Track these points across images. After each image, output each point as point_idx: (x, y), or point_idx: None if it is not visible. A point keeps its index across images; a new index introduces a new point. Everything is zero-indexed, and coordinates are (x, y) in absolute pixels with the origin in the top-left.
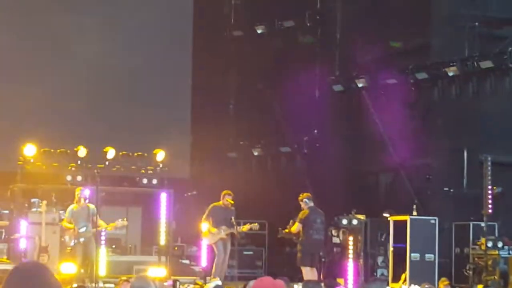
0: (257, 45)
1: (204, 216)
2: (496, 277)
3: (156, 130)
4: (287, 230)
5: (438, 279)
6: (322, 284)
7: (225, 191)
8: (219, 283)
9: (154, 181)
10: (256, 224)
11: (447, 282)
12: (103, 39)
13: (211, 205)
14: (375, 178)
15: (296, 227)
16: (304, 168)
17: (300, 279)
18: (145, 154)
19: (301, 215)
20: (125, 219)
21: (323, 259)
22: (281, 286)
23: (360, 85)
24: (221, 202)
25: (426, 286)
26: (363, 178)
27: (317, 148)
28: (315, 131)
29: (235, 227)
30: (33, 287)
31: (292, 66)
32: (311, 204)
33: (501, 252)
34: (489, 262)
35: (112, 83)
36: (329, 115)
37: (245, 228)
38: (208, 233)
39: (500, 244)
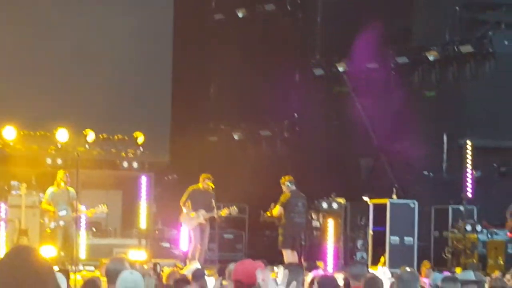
0: (238, 29)
1: (183, 200)
2: (474, 260)
3: (137, 113)
4: (269, 214)
5: (417, 262)
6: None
7: (204, 175)
8: (199, 266)
9: (135, 165)
10: (235, 208)
11: (428, 266)
12: (84, 21)
13: (190, 188)
14: (355, 162)
15: (277, 210)
16: (284, 151)
17: (280, 262)
18: (126, 138)
19: (282, 198)
20: (105, 205)
21: (303, 243)
22: (262, 268)
23: (340, 69)
24: (200, 185)
25: (406, 269)
26: (343, 162)
27: (298, 132)
28: (296, 115)
29: (214, 210)
30: (23, 271)
31: (273, 49)
32: (293, 187)
33: (479, 236)
34: (468, 246)
35: (92, 66)
36: (310, 99)
37: (224, 212)
38: (186, 217)
39: (478, 228)
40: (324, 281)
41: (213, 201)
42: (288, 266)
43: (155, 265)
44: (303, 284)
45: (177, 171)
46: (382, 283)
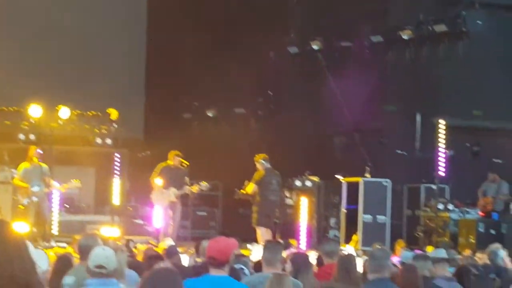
0: (212, 6)
1: (153, 177)
2: (446, 238)
3: (111, 90)
4: (243, 191)
5: (390, 241)
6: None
7: (173, 151)
8: (172, 243)
9: (108, 141)
10: (206, 183)
11: (403, 244)
12: None
13: (160, 165)
14: (329, 141)
15: (251, 188)
16: (258, 129)
17: (254, 239)
18: (99, 114)
19: (256, 176)
20: (78, 180)
21: (277, 220)
22: (235, 245)
23: (315, 47)
24: (170, 162)
25: (378, 246)
26: (317, 140)
27: (272, 110)
28: (270, 92)
29: (186, 187)
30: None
31: (247, 27)
32: (268, 165)
33: (451, 214)
34: (440, 224)
35: (67, 43)
36: (284, 77)
37: (194, 189)
38: (157, 195)
39: (450, 207)
40: (296, 259)
41: (185, 177)
42: (268, 243)
43: (128, 241)
44: (281, 262)
45: (151, 148)
46: (355, 261)
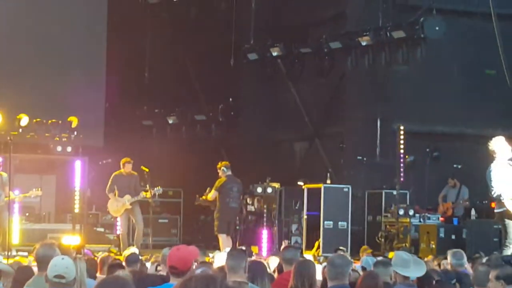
0: (172, 12)
1: (108, 187)
2: (407, 244)
3: (71, 97)
4: (204, 197)
5: (351, 247)
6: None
7: (124, 159)
8: (136, 250)
9: (69, 149)
10: (159, 187)
11: (369, 251)
12: (16, 2)
13: (113, 175)
14: (290, 147)
15: (212, 194)
16: (219, 136)
17: (215, 246)
18: (59, 122)
19: (217, 183)
20: (39, 189)
21: (237, 227)
22: (196, 254)
23: (275, 53)
24: (122, 170)
25: (341, 249)
26: (278, 147)
27: (232, 117)
28: (231, 99)
29: (141, 194)
30: None
31: (207, 34)
32: (229, 172)
33: (412, 220)
34: (401, 230)
35: (25, 49)
36: (245, 83)
37: (148, 194)
38: (112, 204)
39: (411, 212)
40: (252, 266)
41: (138, 183)
42: (232, 252)
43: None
44: (245, 270)
45: (112, 155)
46: (314, 266)
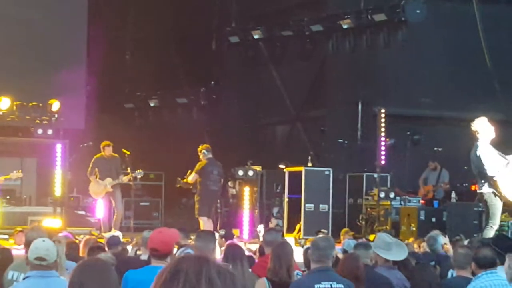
0: None
1: (89, 170)
2: (387, 227)
3: (52, 80)
4: (185, 180)
5: (332, 229)
6: (217, 235)
7: (104, 142)
8: (118, 233)
9: (49, 132)
10: (140, 170)
11: (351, 233)
12: None
13: (94, 157)
14: (272, 130)
15: (191, 177)
16: (201, 119)
17: (196, 229)
18: (40, 104)
19: (198, 166)
20: (19, 171)
21: (219, 210)
22: (177, 236)
23: (256, 36)
24: (103, 153)
25: (322, 231)
26: (259, 130)
27: (214, 100)
28: (212, 82)
29: (121, 176)
30: None
31: (189, 17)
32: (210, 155)
33: (393, 203)
34: (381, 212)
35: (6, 33)
36: (226, 66)
37: (125, 178)
38: (94, 187)
39: (392, 195)
40: (228, 250)
41: (119, 166)
42: (201, 233)
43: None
44: (214, 251)
45: (93, 138)
46: (291, 249)
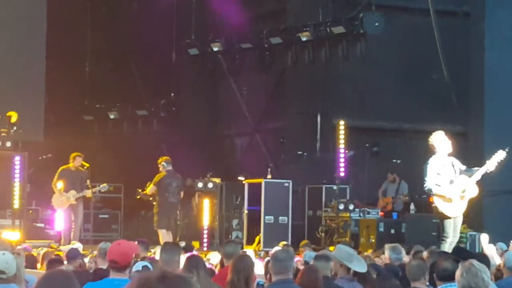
0: (113, 7)
1: (54, 181)
2: (347, 238)
3: (10, 92)
4: (145, 191)
5: (292, 241)
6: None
7: (74, 153)
8: (75, 246)
9: (8, 144)
10: (105, 184)
11: (312, 246)
12: None
13: (60, 168)
14: (231, 142)
15: (150, 188)
16: (160, 131)
17: (156, 242)
18: None
19: (156, 178)
20: None
21: (178, 222)
22: (136, 248)
23: (215, 49)
24: (71, 165)
25: (282, 247)
26: (219, 142)
27: (174, 112)
28: (172, 94)
29: (86, 190)
30: None
31: (148, 28)
32: (169, 167)
33: (352, 214)
34: (341, 224)
35: None
36: (186, 78)
37: (89, 193)
38: (57, 199)
39: (351, 207)
40: (189, 260)
41: (88, 180)
42: (166, 245)
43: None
44: (179, 264)
45: (52, 150)
46: (251, 261)
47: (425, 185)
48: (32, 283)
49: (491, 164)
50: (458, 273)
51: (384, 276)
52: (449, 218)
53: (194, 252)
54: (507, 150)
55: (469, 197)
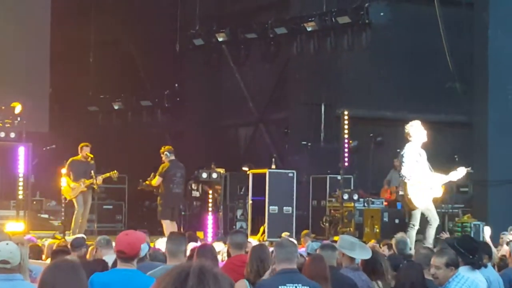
0: None
1: (65, 172)
2: (351, 228)
3: (14, 82)
4: (147, 182)
5: (296, 231)
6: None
7: (82, 143)
8: (82, 236)
9: (12, 135)
10: (115, 171)
11: (313, 235)
12: None
13: (70, 159)
14: (235, 132)
15: (156, 180)
16: (164, 122)
17: (160, 232)
18: (2, 107)
19: (161, 168)
20: None
21: (183, 213)
22: (143, 238)
23: (220, 39)
24: (79, 156)
25: (287, 234)
26: (223, 132)
27: (178, 102)
28: (176, 85)
29: (94, 180)
30: None
31: (153, 19)
32: (172, 157)
33: (356, 204)
34: (345, 214)
35: None
36: (190, 69)
37: (100, 180)
38: (68, 188)
39: (355, 197)
40: (203, 251)
41: (93, 171)
42: (171, 235)
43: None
44: (185, 254)
45: (56, 141)
46: (268, 251)
47: (402, 172)
48: (37, 272)
49: (455, 176)
50: (394, 241)
51: (411, 263)
52: (417, 208)
53: (202, 242)
54: (470, 169)
55: (434, 196)
